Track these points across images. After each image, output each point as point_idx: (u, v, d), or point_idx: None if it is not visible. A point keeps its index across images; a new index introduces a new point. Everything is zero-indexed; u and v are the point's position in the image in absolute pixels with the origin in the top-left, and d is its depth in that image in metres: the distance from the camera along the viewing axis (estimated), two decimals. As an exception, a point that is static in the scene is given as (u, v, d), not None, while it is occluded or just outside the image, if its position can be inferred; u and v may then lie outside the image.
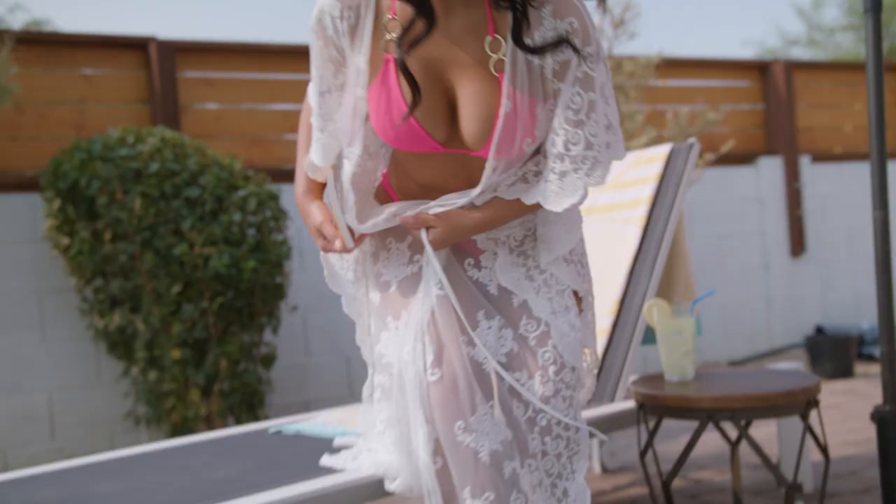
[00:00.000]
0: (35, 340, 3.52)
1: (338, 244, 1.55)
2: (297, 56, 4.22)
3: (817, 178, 5.41)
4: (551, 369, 1.51)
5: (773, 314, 5.22)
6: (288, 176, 4.04)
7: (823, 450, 1.81)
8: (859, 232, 5.52)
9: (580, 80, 1.43)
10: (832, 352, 4.50)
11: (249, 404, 3.41)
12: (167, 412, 3.30)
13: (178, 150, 3.33)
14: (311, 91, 1.56)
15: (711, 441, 3.16)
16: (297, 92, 4.22)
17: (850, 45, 19.52)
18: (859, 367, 4.68)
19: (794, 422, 2.36)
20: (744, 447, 3.01)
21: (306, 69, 4.51)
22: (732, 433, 2.99)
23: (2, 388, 3.45)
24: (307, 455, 1.69)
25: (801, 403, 1.71)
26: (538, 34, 1.42)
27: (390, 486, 1.54)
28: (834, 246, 5.46)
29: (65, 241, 3.30)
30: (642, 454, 1.91)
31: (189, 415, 3.27)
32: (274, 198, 3.45)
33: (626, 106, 4.25)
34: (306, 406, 3.96)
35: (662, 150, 2.33)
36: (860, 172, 5.52)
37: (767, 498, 2.49)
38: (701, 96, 5.13)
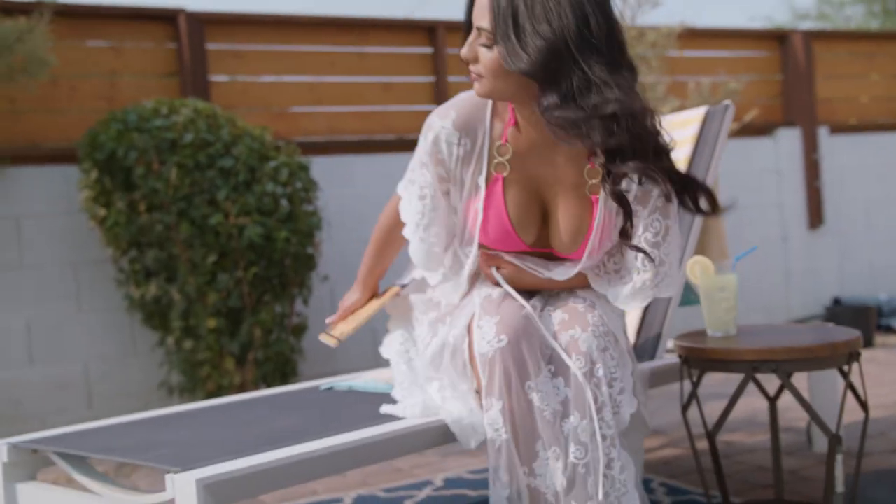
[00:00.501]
0: (71, 311, 3.58)
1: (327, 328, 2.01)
2: (322, 28, 4.26)
3: (835, 150, 5.43)
4: (600, 328, 1.63)
5: (791, 286, 5.26)
6: (314, 148, 4.08)
7: (863, 403, 1.86)
8: (877, 204, 5.54)
9: (660, 208, 1.67)
10: (852, 322, 4.53)
11: (282, 373, 3.47)
12: (202, 380, 3.36)
13: (210, 121, 3.38)
14: (412, 199, 1.77)
15: (741, 405, 3.21)
16: (323, 64, 4.26)
17: (860, 18, 19.44)
18: (878, 338, 4.73)
19: (827, 380, 2.41)
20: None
21: (331, 41, 4.53)
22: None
23: (39, 358, 3.52)
24: (365, 406, 1.75)
25: (844, 355, 1.76)
26: None
27: (473, 444, 1.63)
28: (851, 218, 5.49)
29: (101, 212, 3.36)
30: (685, 407, 1.96)
31: (224, 383, 3.33)
32: (304, 168, 3.49)
33: (649, 76, 4.27)
34: (335, 376, 4.01)
35: (698, 113, 2.37)
36: (878, 143, 5.54)
37: (798, 458, 2.54)
38: (719, 67, 5.14)
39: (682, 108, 4.33)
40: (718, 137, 2.28)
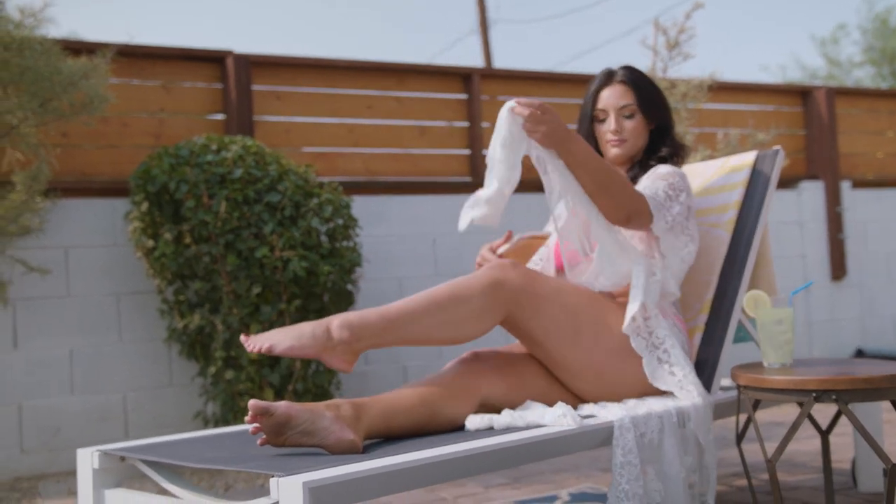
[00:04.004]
0: (113, 341, 3.64)
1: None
2: (362, 72, 4.38)
3: (857, 203, 5.51)
4: None
5: (813, 337, 5.30)
6: (350, 188, 4.17)
7: (916, 436, 1.90)
8: (898, 257, 5.62)
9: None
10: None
11: (320, 406, 3.51)
12: (242, 411, 3.40)
13: (258, 158, 3.47)
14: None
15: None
16: (361, 107, 4.37)
17: (868, 80, 19.74)
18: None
19: (870, 414, 2.45)
20: (805, 455, 3.10)
21: (370, 85, 4.65)
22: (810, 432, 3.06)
23: (79, 387, 3.57)
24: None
25: (902, 387, 1.81)
26: None
27: None
28: (873, 271, 5.55)
29: (149, 243, 3.43)
30: (739, 437, 2.00)
31: (263, 414, 3.37)
32: (347, 206, 3.57)
33: (678, 127, 4.38)
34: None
35: (748, 157, 2.45)
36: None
37: (844, 496, 2.57)
38: (745, 119, 5.26)
39: (711, 157, 4.43)
40: (770, 181, 2.36)
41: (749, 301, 2.04)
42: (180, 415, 3.73)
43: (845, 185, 5.47)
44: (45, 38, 3.14)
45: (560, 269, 2.28)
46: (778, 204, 5.27)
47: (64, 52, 3.21)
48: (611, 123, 2.28)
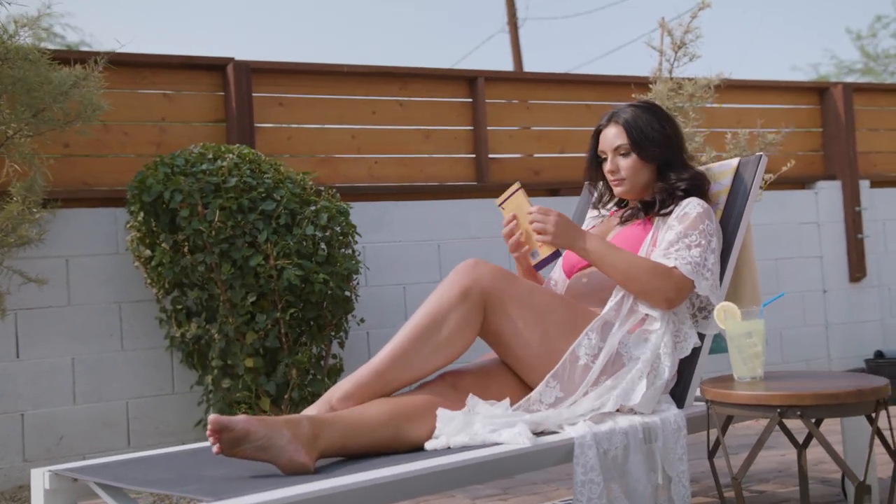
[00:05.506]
0: (114, 349, 3.67)
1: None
2: (364, 77, 4.37)
3: (876, 203, 5.40)
4: None
5: (831, 339, 5.20)
6: (354, 193, 4.17)
7: (893, 452, 1.85)
8: (920, 258, 5.49)
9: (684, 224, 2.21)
10: (893, 375, 4.48)
11: (317, 413, 3.51)
12: (239, 419, 3.41)
13: (254, 166, 3.48)
14: None
15: (773, 456, 3.19)
16: (364, 112, 4.37)
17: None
18: (922, 392, 4.64)
19: (858, 427, 2.39)
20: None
21: (373, 91, 4.63)
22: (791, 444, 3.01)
23: (82, 396, 3.61)
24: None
25: (871, 402, 1.76)
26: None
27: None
28: (894, 271, 5.43)
29: (146, 252, 3.46)
30: (711, 453, 1.96)
31: (260, 422, 3.38)
32: (344, 213, 3.57)
33: (686, 128, 4.31)
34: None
35: (731, 164, 2.40)
36: (920, 197, 5.51)
37: (832, 508, 2.51)
38: (758, 119, 5.16)
39: (719, 159, 4.36)
40: (751, 188, 2.31)
41: (719, 313, 2.00)
42: (182, 422, 3.75)
43: (863, 184, 5.35)
44: (36, 47, 3.17)
45: (568, 276, 2.40)
46: (795, 204, 5.18)
47: (54, 61, 3.23)
48: (608, 164, 2.35)
